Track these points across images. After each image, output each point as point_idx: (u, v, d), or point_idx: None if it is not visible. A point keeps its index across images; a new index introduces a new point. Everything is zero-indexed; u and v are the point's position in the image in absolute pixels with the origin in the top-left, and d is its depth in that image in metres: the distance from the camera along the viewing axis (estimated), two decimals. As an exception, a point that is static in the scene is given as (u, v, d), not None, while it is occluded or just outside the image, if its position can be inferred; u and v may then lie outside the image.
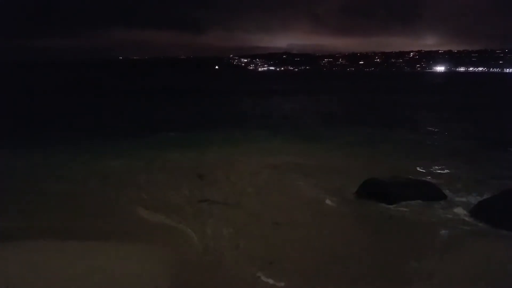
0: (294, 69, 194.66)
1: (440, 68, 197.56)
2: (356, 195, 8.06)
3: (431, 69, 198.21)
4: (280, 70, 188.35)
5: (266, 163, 10.82)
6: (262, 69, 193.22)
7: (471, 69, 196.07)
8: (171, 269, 5.07)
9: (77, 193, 8.12)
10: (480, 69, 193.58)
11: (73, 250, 5.54)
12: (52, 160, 10.94)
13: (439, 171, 9.96)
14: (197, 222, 6.63)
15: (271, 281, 4.85)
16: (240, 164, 10.72)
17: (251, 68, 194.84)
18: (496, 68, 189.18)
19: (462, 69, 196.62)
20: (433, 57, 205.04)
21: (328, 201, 7.78)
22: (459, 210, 7.19)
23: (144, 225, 6.51)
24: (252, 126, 18.18)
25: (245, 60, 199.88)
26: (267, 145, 13.71)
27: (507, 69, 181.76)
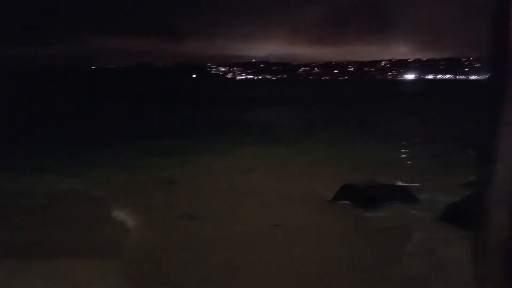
0: (272, 77, 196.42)
1: (410, 76, 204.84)
2: (333, 201, 8.35)
3: (401, 77, 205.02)
4: (259, 79, 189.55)
5: (245, 170, 11.08)
6: (241, 77, 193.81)
7: (439, 76, 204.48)
8: (137, 284, 5.15)
9: (44, 208, 7.91)
10: (447, 76, 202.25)
11: (41, 270, 5.37)
12: (23, 174, 10.67)
13: (413, 175, 10.42)
14: (168, 234, 6.64)
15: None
16: (217, 171, 10.85)
17: (229, 76, 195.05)
18: (462, 75, 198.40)
19: (430, 76, 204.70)
20: (404, 65, 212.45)
21: (305, 207, 8.04)
22: (432, 213, 7.59)
23: (116, 241, 6.42)
24: (230, 133, 18.33)
25: (224, 69, 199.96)
26: (246, 152, 13.94)
27: (472, 76, 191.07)
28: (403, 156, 13.61)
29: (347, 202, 8.10)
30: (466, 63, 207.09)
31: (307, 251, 5.92)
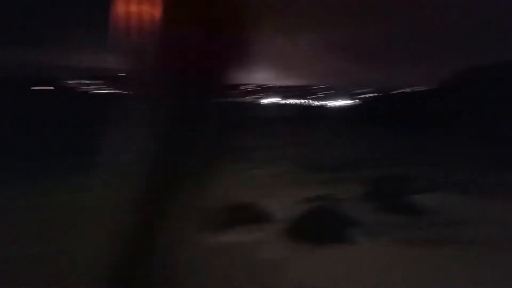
0: (131, 92, 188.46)
1: (275, 99, 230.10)
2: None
3: (262, 100, 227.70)
4: (118, 93, 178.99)
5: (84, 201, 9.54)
6: (99, 92, 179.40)
7: (293, 101, 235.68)
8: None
9: None
10: (300, 101, 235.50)
11: None
12: None
13: (269, 193, 10.69)
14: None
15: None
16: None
17: (85, 89, 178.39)
18: (314, 100, 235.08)
19: (291, 101, 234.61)
20: (265, 90, 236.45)
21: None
22: (282, 229, 7.73)
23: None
24: (69, 156, 16.00)
25: (76, 82, 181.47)
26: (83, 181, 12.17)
27: (317, 102, 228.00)
28: (261, 175, 14.10)
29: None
30: (313, 90, 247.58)
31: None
